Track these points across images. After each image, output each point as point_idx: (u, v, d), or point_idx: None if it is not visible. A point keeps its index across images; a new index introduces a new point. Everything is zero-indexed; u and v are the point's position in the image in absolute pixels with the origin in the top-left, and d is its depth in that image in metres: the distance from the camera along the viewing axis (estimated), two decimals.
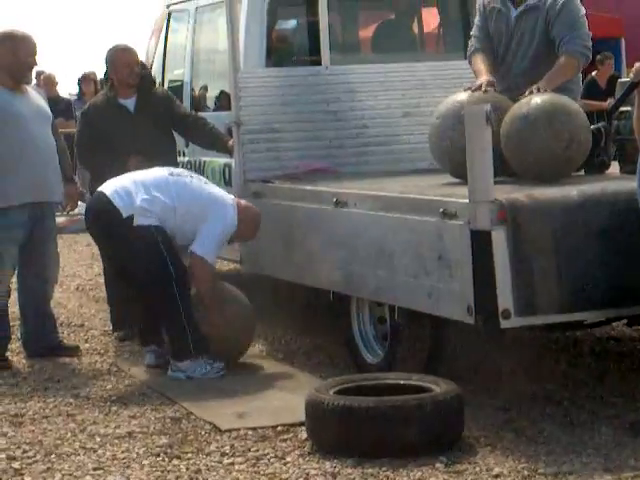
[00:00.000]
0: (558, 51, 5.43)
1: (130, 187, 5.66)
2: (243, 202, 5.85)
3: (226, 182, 6.81)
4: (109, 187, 5.74)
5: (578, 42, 5.41)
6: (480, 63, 5.60)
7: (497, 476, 4.05)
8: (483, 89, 5.32)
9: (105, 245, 5.86)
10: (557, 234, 4.47)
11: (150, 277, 5.56)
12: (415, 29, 7.64)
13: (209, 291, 5.67)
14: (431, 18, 7.72)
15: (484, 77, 5.46)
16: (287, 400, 5.09)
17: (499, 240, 4.39)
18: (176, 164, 6.70)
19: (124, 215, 5.58)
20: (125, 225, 5.57)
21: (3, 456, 4.51)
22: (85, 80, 13.79)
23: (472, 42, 5.76)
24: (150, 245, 5.56)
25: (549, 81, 5.29)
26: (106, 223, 5.66)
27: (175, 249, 5.66)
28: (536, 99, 5.09)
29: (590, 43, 5.46)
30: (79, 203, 6.73)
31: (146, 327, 5.96)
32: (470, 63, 5.72)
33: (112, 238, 5.67)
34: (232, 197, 5.85)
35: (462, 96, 5.33)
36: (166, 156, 6.45)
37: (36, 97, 6.27)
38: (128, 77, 6.50)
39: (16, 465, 4.39)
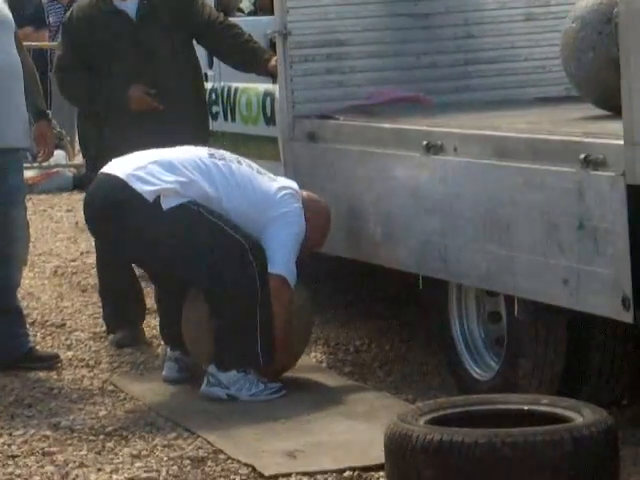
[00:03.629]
0: None
1: (152, 168, 5.74)
2: (306, 194, 5.93)
3: (267, 120, 6.86)
4: (120, 169, 5.78)
5: None
6: None
7: None
8: None
9: (132, 245, 5.89)
10: None
11: (216, 259, 5.66)
12: None
13: (286, 315, 5.79)
14: None
15: None
16: (357, 433, 5.14)
17: None
18: (202, 94, 6.77)
19: (149, 200, 5.66)
20: (152, 214, 5.66)
21: None
22: None
23: None
24: (198, 223, 5.68)
25: None
26: (126, 216, 5.72)
27: (228, 219, 5.75)
28: None
29: None
30: (55, 152, 6.78)
31: (171, 324, 6.02)
32: None
33: (142, 234, 5.75)
34: (296, 188, 5.91)
35: None
36: (185, 82, 6.47)
37: None
38: None
39: None
